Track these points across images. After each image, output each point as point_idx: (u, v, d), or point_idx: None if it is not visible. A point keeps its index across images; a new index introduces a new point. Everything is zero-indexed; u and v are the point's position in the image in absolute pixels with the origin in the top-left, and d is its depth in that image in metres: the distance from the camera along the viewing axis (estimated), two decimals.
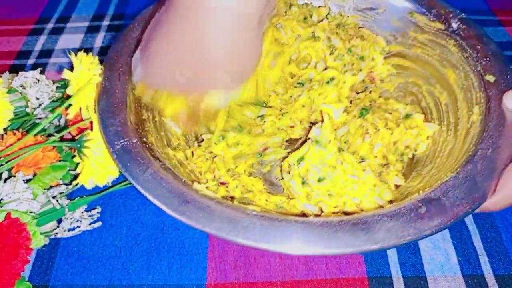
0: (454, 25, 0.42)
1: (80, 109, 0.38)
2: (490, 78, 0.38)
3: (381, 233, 0.27)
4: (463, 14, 0.43)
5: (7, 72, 0.43)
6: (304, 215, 0.36)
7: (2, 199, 0.35)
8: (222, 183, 0.39)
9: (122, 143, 0.33)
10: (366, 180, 0.37)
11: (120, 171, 0.31)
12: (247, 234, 0.28)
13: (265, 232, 0.28)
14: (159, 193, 0.30)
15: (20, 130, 0.40)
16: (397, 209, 0.29)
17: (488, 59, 0.39)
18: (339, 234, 0.27)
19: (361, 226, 0.28)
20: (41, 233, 0.35)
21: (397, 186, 0.39)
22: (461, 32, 0.42)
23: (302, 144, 0.40)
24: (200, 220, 0.28)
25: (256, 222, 0.28)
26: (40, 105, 0.40)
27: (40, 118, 0.41)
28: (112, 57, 0.39)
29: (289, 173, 0.38)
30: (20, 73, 0.40)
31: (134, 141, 0.33)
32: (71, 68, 0.38)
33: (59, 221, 0.38)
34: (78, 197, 0.39)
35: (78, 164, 0.38)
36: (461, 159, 0.34)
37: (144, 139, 0.34)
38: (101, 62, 0.39)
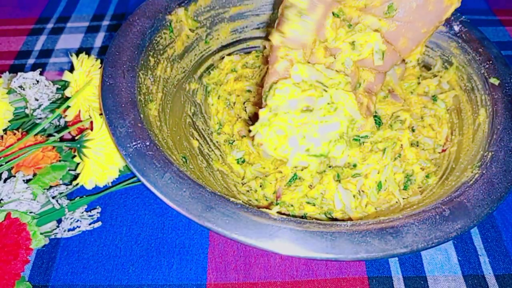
0: (456, 28, 0.42)
1: (79, 111, 0.38)
2: (494, 81, 0.38)
3: (409, 237, 0.27)
4: (464, 17, 0.43)
5: (7, 72, 0.43)
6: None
7: (2, 199, 0.35)
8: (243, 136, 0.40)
9: (135, 146, 0.31)
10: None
11: (136, 177, 0.29)
12: (276, 241, 0.27)
13: (294, 238, 0.27)
14: (181, 199, 0.28)
15: (20, 130, 0.40)
16: (421, 211, 0.29)
17: (491, 62, 0.39)
18: (368, 239, 0.27)
19: (389, 230, 0.27)
20: (41, 233, 0.35)
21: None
22: (463, 35, 0.42)
23: None
24: (226, 226, 0.27)
25: (284, 228, 0.27)
26: (39, 106, 0.40)
27: (40, 119, 0.41)
28: (114, 52, 0.36)
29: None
30: (19, 74, 0.39)
31: (148, 143, 0.31)
32: (71, 69, 0.38)
33: (59, 221, 0.38)
34: (78, 197, 0.39)
35: (78, 164, 0.38)
36: (473, 160, 0.34)
37: (157, 140, 0.32)
38: (101, 62, 0.38)
